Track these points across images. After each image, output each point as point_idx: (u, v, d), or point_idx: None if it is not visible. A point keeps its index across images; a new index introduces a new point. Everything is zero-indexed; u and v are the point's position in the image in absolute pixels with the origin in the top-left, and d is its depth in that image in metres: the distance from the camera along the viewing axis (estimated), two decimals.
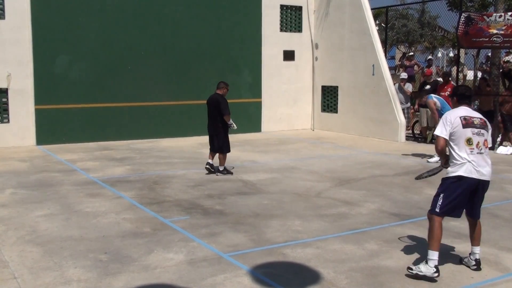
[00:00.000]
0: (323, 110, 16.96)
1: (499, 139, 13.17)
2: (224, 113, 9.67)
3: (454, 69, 16.56)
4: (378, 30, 16.88)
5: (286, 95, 16.80)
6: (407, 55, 20.28)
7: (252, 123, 16.24)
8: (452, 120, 5.08)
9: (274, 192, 8.47)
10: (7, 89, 12.95)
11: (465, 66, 18.22)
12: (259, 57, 16.22)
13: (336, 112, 16.46)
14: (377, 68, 14.93)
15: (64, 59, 13.47)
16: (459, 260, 5.43)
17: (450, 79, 13.69)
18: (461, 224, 6.79)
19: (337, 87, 16.37)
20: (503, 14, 12.67)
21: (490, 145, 5.15)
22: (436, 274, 4.89)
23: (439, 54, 23.08)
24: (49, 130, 13.37)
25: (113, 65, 14.04)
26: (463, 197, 5.02)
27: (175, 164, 10.86)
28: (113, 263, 5.33)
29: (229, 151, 9.92)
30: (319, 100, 17.04)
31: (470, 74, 20.96)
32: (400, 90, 15.10)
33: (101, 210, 7.30)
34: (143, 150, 12.67)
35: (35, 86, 13.17)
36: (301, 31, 16.99)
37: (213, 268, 5.20)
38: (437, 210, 5.03)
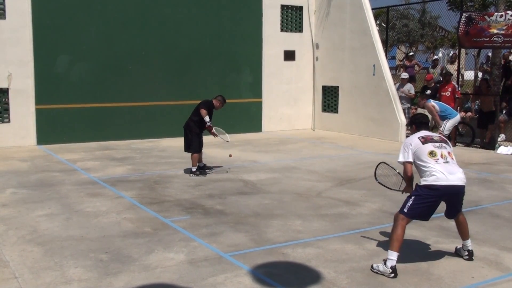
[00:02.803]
0: (324, 110, 16.96)
1: (499, 139, 13.16)
2: (200, 107, 9.67)
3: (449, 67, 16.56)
4: (378, 30, 16.88)
5: (286, 95, 16.80)
6: (408, 55, 20.28)
7: (253, 123, 16.25)
8: (411, 143, 5.33)
9: (275, 192, 8.47)
10: (7, 89, 12.95)
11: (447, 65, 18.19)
12: (259, 57, 16.22)
13: (337, 112, 16.46)
14: (377, 68, 14.93)
15: (65, 59, 13.48)
16: (454, 251, 5.59)
17: (451, 78, 13.69)
18: None
19: (338, 87, 16.36)
20: (503, 13, 12.66)
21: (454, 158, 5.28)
22: (392, 275, 4.96)
23: (440, 54, 23.07)
24: (50, 130, 13.38)
25: (113, 65, 14.04)
26: (434, 205, 5.16)
27: (176, 164, 10.86)
28: (113, 263, 5.33)
29: (195, 151, 9.73)
30: (320, 100, 17.03)
31: (470, 74, 20.96)
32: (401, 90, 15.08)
33: (102, 210, 7.31)
34: (143, 150, 12.67)
35: (35, 86, 13.17)
36: (302, 31, 16.99)
37: (214, 268, 5.20)
38: (405, 210, 5.13)
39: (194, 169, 9.71)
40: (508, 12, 12.66)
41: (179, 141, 14.18)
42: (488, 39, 13.06)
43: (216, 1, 15.36)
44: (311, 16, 17.00)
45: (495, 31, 12.80)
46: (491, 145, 13.14)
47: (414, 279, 4.99)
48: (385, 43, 16.72)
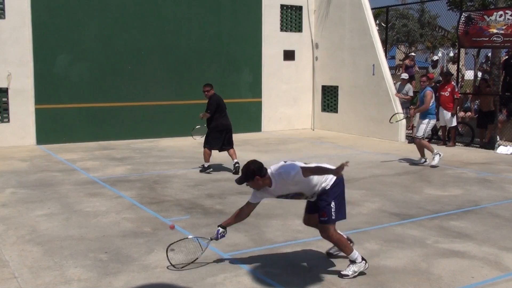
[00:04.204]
0: (323, 109, 16.96)
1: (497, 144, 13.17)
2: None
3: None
4: (378, 29, 16.88)
5: (286, 95, 16.80)
6: (409, 55, 20.27)
7: (252, 122, 16.25)
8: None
9: None
10: (7, 88, 12.95)
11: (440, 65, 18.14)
12: (259, 57, 16.22)
13: (336, 112, 16.46)
14: (377, 68, 14.93)
15: (65, 59, 13.47)
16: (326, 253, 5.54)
17: (451, 78, 13.69)
18: (462, 224, 6.79)
19: (337, 86, 16.36)
20: (503, 13, 12.65)
21: None
22: (366, 264, 5.07)
23: (440, 54, 23.07)
24: (49, 129, 13.38)
25: (113, 65, 14.04)
26: (343, 193, 5.31)
27: (175, 164, 10.86)
28: (113, 263, 5.33)
29: (205, 146, 9.93)
30: (319, 100, 17.03)
31: (470, 74, 20.96)
32: (400, 90, 15.06)
33: (101, 210, 7.30)
34: (143, 149, 12.67)
35: (35, 86, 13.17)
36: (301, 31, 16.99)
37: (213, 268, 5.20)
38: (333, 217, 5.09)
39: (206, 164, 9.96)
40: (507, 11, 12.65)
41: (179, 141, 14.24)
42: (487, 38, 13.06)
43: (216, 1, 15.36)
44: (310, 16, 17.00)
45: (495, 30, 12.80)
46: (490, 144, 13.15)
47: (413, 279, 4.99)
48: (384, 43, 16.72)
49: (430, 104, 10.58)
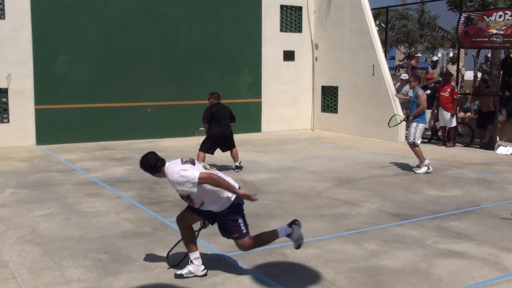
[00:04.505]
0: (323, 110, 16.96)
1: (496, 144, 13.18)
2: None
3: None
4: (378, 30, 16.88)
5: (286, 95, 16.80)
6: (414, 56, 20.23)
7: (252, 123, 16.25)
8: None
9: (274, 192, 8.47)
10: (7, 89, 12.94)
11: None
12: (259, 57, 16.23)
13: (336, 112, 16.46)
14: (377, 68, 14.93)
15: (64, 59, 13.47)
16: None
17: (451, 79, 13.69)
18: (461, 224, 6.80)
19: (337, 87, 16.36)
20: (502, 13, 12.65)
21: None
22: (205, 270, 4.99)
23: (439, 54, 23.07)
24: (49, 130, 13.37)
25: (113, 65, 14.04)
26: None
27: None
28: (113, 263, 5.33)
29: (200, 149, 10.08)
30: (319, 100, 17.03)
31: (469, 75, 20.97)
32: (400, 90, 15.06)
33: (101, 210, 7.30)
34: (143, 150, 12.63)
35: (35, 86, 13.17)
36: (301, 31, 16.99)
37: (213, 268, 5.20)
38: (244, 231, 5.00)
39: (239, 163, 10.23)
40: (507, 12, 12.65)
41: (179, 141, 14.23)
42: (487, 39, 13.06)
43: (216, 1, 15.36)
44: (310, 16, 17.01)
45: (494, 31, 12.80)
46: (490, 145, 13.15)
47: (413, 279, 4.99)
48: (384, 43, 16.73)
49: (425, 106, 10.24)
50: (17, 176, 9.56)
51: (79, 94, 13.67)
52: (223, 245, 5.86)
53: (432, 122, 14.23)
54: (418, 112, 10.28)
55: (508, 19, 12.55)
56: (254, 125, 16.32)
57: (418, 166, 10.28)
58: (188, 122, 15.05)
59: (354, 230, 6.49)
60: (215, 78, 15.50)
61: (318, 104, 17.06)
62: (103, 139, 13.91)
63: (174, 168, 5.05)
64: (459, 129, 14.56)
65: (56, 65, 13.39)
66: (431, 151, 12.80)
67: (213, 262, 5.37)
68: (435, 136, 14.50)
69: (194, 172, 4.87)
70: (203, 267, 5.01)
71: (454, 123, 13.47)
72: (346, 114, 16.06)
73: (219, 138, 10.03)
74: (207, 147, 10.02)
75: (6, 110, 13.03)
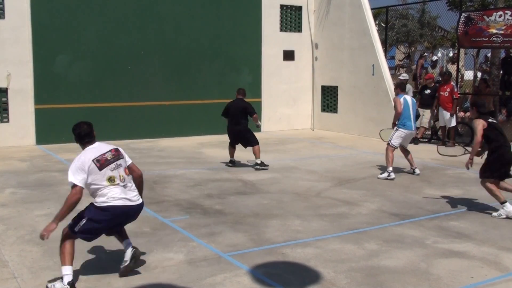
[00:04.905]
0: (323, 110, 16.96)
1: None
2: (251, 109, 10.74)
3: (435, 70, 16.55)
4: (378, 30, 16.88)
5: (286, 95, 16.80)
6: (423, 55, 20.17)
7: (252, 122, 16.18)
8: (85, 168, 4.79)
9: (274, 192, 8.47)
10: (7, 88, 12.94)
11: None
12: (259, 57, 16.22)
13: (336, 112, 16.46)
14: (377, 68, 14.93)
15: (64, 59, 13.47)
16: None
17: (450, 79, 13.70)
18: (461, 224, 6.80)
19: (337, 87, 16.36)
20: (502, 13, 12.65)
21: (128, 173, 5.04)
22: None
23: (439, 54, 23.07)
24: (49, 129, 13.37)
25: (113, 65, 14.04)
26: (106, 226, 4.92)
27: (175, 164, 10.86)
28: (112, 263, 5.32)
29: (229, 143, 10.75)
30: (319, 100, 17.03)
31: (469, 74, 20.96)
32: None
33: None
34: (142, 150, 12.66)
35: (35, 86, 13.17)
36: (301, 31, 16.99)
37: (213, 268, 5.20)
38: (76, 229, 4.83)
39: (259, 161, 10.29)
40: (507, 12, 12.65)
41: (178, 141, 14.23)
42: (487, 39, 13.06)
43: (216, 1, 15.35)
44: (310, 16, 17.00)
45: (494, 31, 12.80)
46: None
47: (413, 279, 4.99)
48: (384, 43, 16.72)
49: (400, 110, 9.76)
50: (17, 176, 9.56)
51: (79, 94, 13.67)
52: (223, 245, 5.86)
53: (432, 121, 14.23)
54: (394, 118, 10.04)
55: (508, 19, 12.55)
56: (254, 124, 16.27)
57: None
58: (187, 122, 15.07)
59: (354, 230, 6.49)
60: (214, 77, 15.50)
61: (318, 104, 17.05)
62: (103, 139, 13.63)
63: (80, 155, 4.91)
64: (459, 129, 14.55)
65: (56, 65, 13.39)
66: (431, 151, 12.80)
67: (213, 262, 5.37)
68: (435, 135, 14.50)
69: (72, 173, 4.81)
70: (68, 286, 4.61)
71: (453, 123, 13.47)
72: (346, 114, 16.06)
73: (231, 134, 10.55)
74: (230, 141, 10.66)
75: (6, 109, 13.02)
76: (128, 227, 6.50)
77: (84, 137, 5.02)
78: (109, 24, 13.95)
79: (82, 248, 5.74)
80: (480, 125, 7.28)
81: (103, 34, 13.89)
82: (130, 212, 4.97)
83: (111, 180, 4.86)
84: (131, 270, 5.02)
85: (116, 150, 5.10)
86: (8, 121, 13.03)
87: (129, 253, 5.02)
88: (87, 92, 13.79)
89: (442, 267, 5.29)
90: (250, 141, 10.49)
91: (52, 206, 7.47)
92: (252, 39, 16.05)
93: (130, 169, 5.14)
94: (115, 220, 4.92)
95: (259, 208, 7.46)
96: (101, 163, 4.85)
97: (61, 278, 4.66)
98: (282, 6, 16.59)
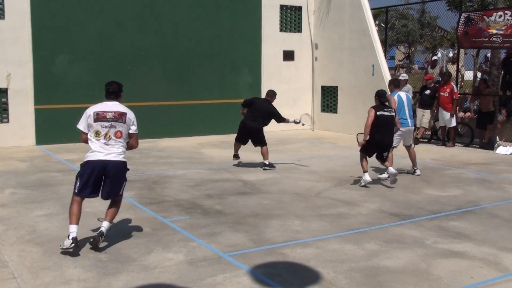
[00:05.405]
0: (323, 110, 16.96)
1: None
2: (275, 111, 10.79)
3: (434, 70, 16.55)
4: (378, 30, 16.88)
5: (285, 95, 16.77)
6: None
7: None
8: (87, 116, 5.80)
9: (274, 192, 8.47)
10: (6, 89, 12.94)
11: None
12: (258, 57, 16.23)
13: (336, 112, 16.46)
14: (377, 68, 14.94)
15: (64, 59, 13.47)
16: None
17: (450, 79, 13.70)
18: (461, 224, 6.80)
19: (337, 87, 16.37)
20: (502, 13, 12.65)
21: (124, 136, 5.89)
22: (73, 245, 5.38)
23: (439, 54, 23.09)
24: (49, 130, 13.37)
25: (112, 65, 14.03)
26: (92, 178, 5.64)
27: (175, 164, 10.86)
28: (112, 263, 5.33)
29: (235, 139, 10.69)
30: (319, 100, 17.03)
31: (469, 75, 20.97)
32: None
33: (101, 210, 7.28)
34: (142, 150, 12.64)
35: (34, 86, 13.17)
36: (301, 31, 17.00)
37: (213, 268, 5.20)
38: (75, 190, 5.67)
39: (267, 162, 10.38)
40: (507, 12, 12.65)
41: (178, 141, 14.23)
42: (487, 39, 13.06)
43: (215, 1, 15.36)
44: (310, 16, 17.01)
45: (494, 31, 12.80)
46: (490, 145, 13.15)
47: (413, 279, 4.99)
48: (384, 43, 16.73)
49: (395, 109, 9.43)
50: (16, 176, 9.56)
51: (79, 94, 13.65)
52: (223, 245, 5.86)
53: (432, 122, 14.23)
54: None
55: (508, 19, 12.55)
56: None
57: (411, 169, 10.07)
58: (187, 122, 15.07)
59: (354, 230, 6.49)
60: (214, 78, 15.50)
61: (317, 104, 17.06)
62: None
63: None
64: (459, 129, 14.56)
65: (56, 65, 13.39)
66: (431, 151, 12.82)
67: (213, 262, 5.37)
68: (435, 136, 14.50)
69: (80, 119, 5.92)
70: (71, 241, 5.39)
71: (453, 123, 13.47)
72: (345, 114, 16.06)
73: (242, 127, 10.43)
74: (236, 136, 10.53)
75: (5, 110, 13.02)
76: (128, 227, 6.52)
77: (110, 93, 5.91)
78: (109, 24, 13.95)
79: (82, 248, 5.74)
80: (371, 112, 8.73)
81: (103, 34, 13.89)
82: (107, 168, 5.62)
83: (96, 134, 5.66)
84: (92, 244, 5.60)
85: (122, 114, 5.81)
86: (8, 121, 13.04)
87: (96, 234, 5.66)
88: (87, 93, 13.75)
89: (442, 267, 5.30)
90: (261, 141, 10.48)
91: (52, 206, 7.48)
92: (252, 40, 16.06)
93: (129, 137, 5.92)
94: (95, 173, 5.63)
95: (259, 208, 7.46)
96: (98, 117, 5.69)
97: (68, 236, 5.44)
98: (282, 7, 16.59)
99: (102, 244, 5.70)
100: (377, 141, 8.82)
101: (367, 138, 8.80)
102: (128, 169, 5.97)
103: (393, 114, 8.95)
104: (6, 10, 12.77)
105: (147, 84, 14.44)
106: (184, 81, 15.03)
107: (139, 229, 6.48)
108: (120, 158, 5.70)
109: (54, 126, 13.43)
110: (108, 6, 13.90)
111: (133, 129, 5.95)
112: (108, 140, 5.64)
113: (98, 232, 5.68)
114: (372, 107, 8.85)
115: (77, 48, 13.60)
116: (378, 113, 8.68)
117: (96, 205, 7.57)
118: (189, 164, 10.85)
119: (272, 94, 10.87)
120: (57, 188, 8.59)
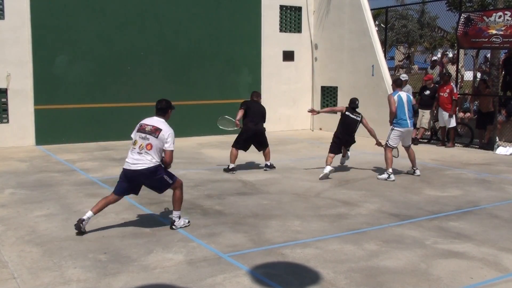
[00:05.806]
0: None
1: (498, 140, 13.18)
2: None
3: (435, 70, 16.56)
4: (377, 30, 16.89)
5: (285, 96, 16.80)
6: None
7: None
8: (136, 126, 6.39)
9: (274, 193, 8.47)
10: (6, 89, 12.94)
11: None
12: (258, 58, 16.23)
13: (336, 112, 16.43)
14: (376, 68, 14.94)
15: (64, 59, 13.47)
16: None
17: (450, 79, 13.71)
18: (461, 224, 6.80)
19: (337, 87, 16.37)
20: (502, 14, 12.65)
21: (154, 149, 6.16)
22: (188, 222, 6.54)
23: (439, 55, 23.10)
24: (49, 130, 13.37)
25: (113, 65, 14.04)
26: (123, 182, 6.32)
27: (175, 164, 10.76)
28: (112, 263, 5.33)
29: (233, 146, 10.37)
30: (319, 101, 17.04)
31: (469, 75, 20.97)
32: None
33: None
34: None
35: (34, 86, 13.17)
36: (301, 32, 17.00)
37: (213, 268, 5.20)
38: (114, 191, 6.41)
39: (269, 163, 10.40)
40: (506, 12, 12.65)
41: (178, 142, 14.10)
42: (487, 39, 13.06)
43: (215, 2, 15.37)
44: (310, 17, 17.02)
45: (494, 31, 12.81)
46: (489, 145, 13.16)
47: (413, 279, 5.00)
48: (384, 43, 16.74)
49: (393, 110, 9.61)
50: (16, 176, 9.56)
51: (79, 94, 13.67)
52: (222, 246, 5.86)
53: (431, 122, 14.24)
54: (390, 117, 9.88)
55: (507, 20, 12.56)
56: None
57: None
58: (187, 122, 15.06)
59: (353, 230, 6.49)
60: (214, 78, 15.51)
61: (317, 105, 17.06)
62: (103, 139, 13.91)
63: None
64: (459, 130, 14.56)
65: (56, 65, 13.39)
66: (431, 151, 12.82)
67: (212, 262, 5.37)
68: (435, 136, 14.50)
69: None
70: (187, 220, 6.54)
71: (453, 124, 13.48)
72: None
73: (252, 134, 10.23)
74: (240, 144, 10.23)
75: (5, 110, 13.03)
76: (128, 227, 6.52)
77: (158, 110, 6.41)
78: (109, 24, 13.95)
79: (83, 249, 5.74)
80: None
81: (103, 34, 13.89)
82: (134, 174, 6.17)
83: (134, 143, 6.22)
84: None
85: (157, 130, 6.18)
86: (7, 122, 13.04)
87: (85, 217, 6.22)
88: (86, 93, 13.79)
89: (442, 267, 5.30)
90: (265, 144, 10.46)
91: (52, 207, 7.48)
92: (252, 40, 16.06)
93: (164, 153, 6.25)
94: (128, 179, 6.26)
95: (259, 209, 7.46)
96: (140, 128, 6.28)
97: (179, 216, 6.45)
98: (281, 7, 16.60)
99: (105, 247, 5.69)
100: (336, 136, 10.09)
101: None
102: (165, 167, 6.39)
103: (359, 119, 10.00)
104: (6, 10, 12.77)
105: (147, 84, 14.44)
106: (184, 81, 15.04)
107: (139, 229, 6.48)
108: (145, 166, 6.12)
109: (54, 126, 13.44)
110: (108, 6, 13.91)
111: (167, 146, 6.23)
112: (141, 150, 6.13)
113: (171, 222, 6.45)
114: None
115: (77, 48, 13.60)
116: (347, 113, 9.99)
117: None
118: (189, 165, 10.85)
119: (259, 95, 10.88)
120: (57, 189, 8.59)
